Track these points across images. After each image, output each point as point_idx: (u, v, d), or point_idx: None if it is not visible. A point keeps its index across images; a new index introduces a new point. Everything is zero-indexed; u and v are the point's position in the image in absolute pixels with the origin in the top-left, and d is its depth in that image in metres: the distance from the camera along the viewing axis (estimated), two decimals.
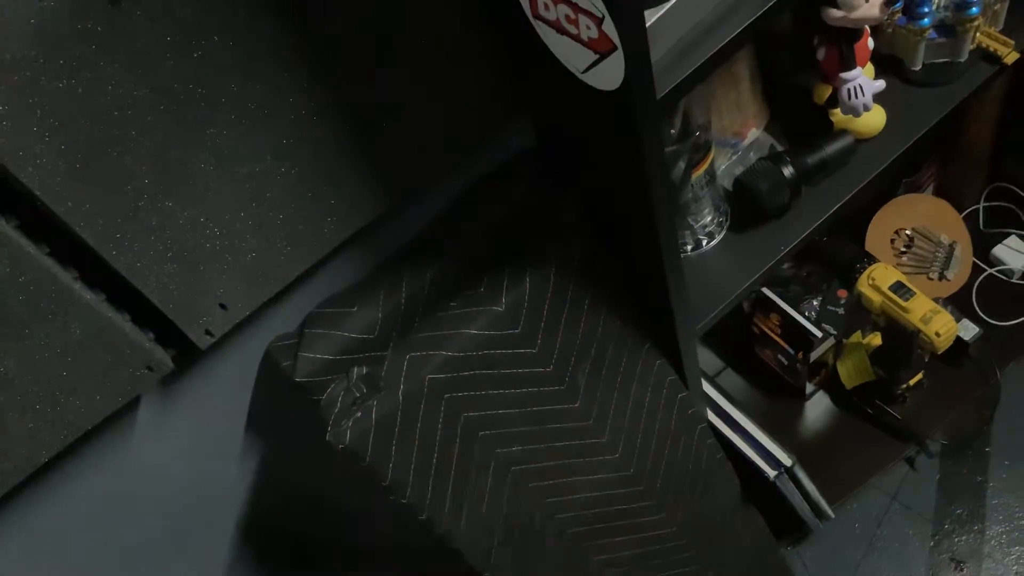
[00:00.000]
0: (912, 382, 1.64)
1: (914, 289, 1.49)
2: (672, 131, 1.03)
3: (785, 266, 1.68)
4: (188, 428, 1.01)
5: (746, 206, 1.16)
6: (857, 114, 1.13)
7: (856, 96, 1.11)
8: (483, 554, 1.10)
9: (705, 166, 1.08)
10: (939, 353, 1.50)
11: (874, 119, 1.17)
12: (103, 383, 0.84)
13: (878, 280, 1.50)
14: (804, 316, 1.61)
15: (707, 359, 1.80)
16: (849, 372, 1.66)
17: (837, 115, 1.17)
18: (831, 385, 1.72)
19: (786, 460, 1.29)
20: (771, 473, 1.29)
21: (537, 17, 0.77)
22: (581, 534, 1.18)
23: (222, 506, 1.14)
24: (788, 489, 1.34)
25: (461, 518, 1.05)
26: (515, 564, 1.12)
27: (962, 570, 1.60)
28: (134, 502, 1.04)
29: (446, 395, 0.98)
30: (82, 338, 0.80)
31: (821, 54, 1.14)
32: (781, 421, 1.73)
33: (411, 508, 1.01)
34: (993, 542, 1.61)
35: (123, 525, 1.05)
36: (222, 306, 0.88)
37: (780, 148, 1.21)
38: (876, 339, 1.62)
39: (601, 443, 1.13)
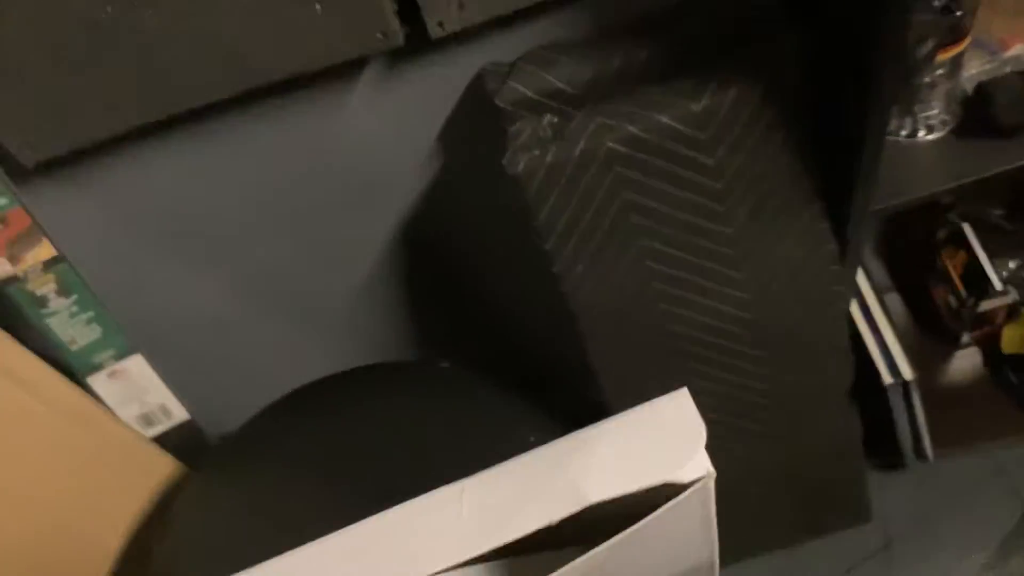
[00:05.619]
0: None
1: None
2: (935, 2, 0.99)
3: (998, 212, 1.60)
4: (393, 111, 1.11)
5: (979, 114, 1.12)
6: None
7: None
8: (592, 327, 1.19)
9: (954, 52, 1.04)
10: None
11: None
12: (343, 31, 0.94)
13: None
14: (994, 269, 1.54)
15: (880, 275, 1.77)
16: (1013, 338, 1.60)
17: None
18: (988, 344, 1.66)
19: (908, 374, 1.29)
20: (888, 380, 1.29)
21: None
22: (681, 351, 1.24)
23: (394, 195, 1.26)
24: (897, 404, 1.34)
25: (585, 284, 1.13)
26: (616, 346, 1.21)
27: None
28: (326, 160, 1.16)
29: (617, 168, 1.04)
30: None
31: None
32: (925, 361, 1.69)
33: (549, 256, 1.10)
34: None
35: (307, 176, 1.16)
36: (460, 5, 0.96)
37: None
38: None
39: (736, 278, 1.17)
